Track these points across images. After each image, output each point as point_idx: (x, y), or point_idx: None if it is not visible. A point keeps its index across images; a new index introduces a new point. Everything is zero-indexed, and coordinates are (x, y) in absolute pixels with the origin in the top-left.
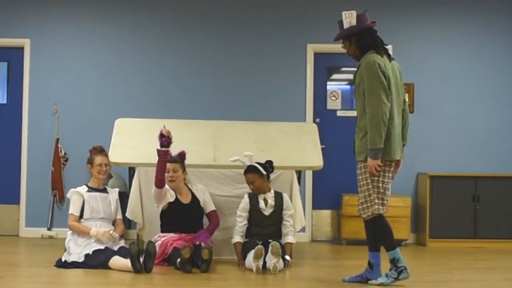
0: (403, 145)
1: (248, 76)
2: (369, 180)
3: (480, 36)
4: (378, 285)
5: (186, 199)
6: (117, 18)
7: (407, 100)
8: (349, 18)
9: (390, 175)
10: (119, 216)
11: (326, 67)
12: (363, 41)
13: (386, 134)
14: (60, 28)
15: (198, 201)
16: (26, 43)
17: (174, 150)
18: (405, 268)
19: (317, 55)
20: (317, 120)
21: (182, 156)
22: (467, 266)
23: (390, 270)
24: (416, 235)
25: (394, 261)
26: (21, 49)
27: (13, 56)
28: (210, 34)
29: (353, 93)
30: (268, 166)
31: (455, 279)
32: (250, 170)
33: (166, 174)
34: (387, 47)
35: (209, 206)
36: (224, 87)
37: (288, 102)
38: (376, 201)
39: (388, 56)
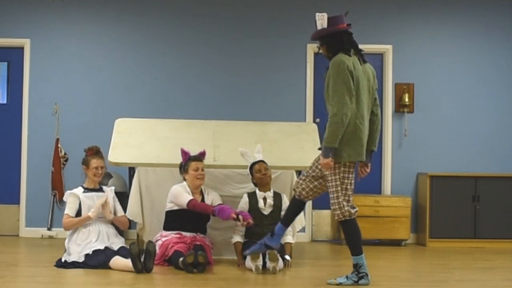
0: (372, 151)
1: (248, 76)
2: (338, 182)
3: (480, 36)
4: (337, 284)
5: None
6: (117, 18)
7: (378, 103)
8: (321, 20)
9: (353, 175)
10: (121, 213)
11: (326, 67)
12: (331, 44)
13: (356, 133)
14: (60, 28)
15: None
16: (26, 43)
17: (174, 150)
18: (366, 275)
19: (317, 55)
20: (317, 120)
21: (203, 155)
22: (467, 266)
23: (352, 273)
24: (416, 235)
25: (357, 267)
26: (21, 49)
27: (13, 56)
28: (210, 34)
29: (324, 94)
30: None
31: (455, 279)
32: (262, 161)
33: (195, 173)
34: (361, 49)
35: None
36: (224, 87)
37: (288, 102)
38: (345, 203)
39: (361, 58)
